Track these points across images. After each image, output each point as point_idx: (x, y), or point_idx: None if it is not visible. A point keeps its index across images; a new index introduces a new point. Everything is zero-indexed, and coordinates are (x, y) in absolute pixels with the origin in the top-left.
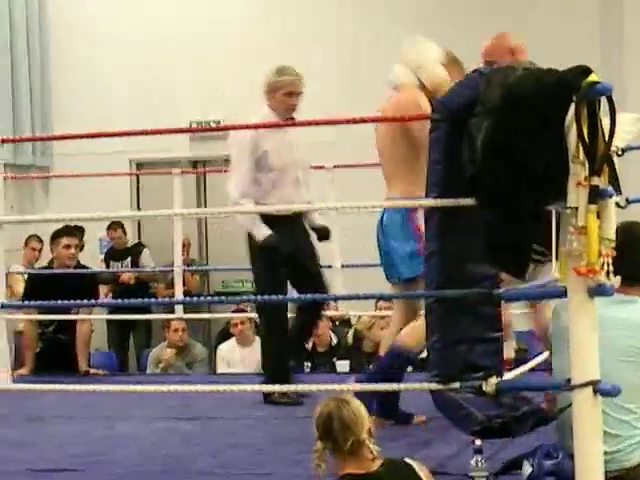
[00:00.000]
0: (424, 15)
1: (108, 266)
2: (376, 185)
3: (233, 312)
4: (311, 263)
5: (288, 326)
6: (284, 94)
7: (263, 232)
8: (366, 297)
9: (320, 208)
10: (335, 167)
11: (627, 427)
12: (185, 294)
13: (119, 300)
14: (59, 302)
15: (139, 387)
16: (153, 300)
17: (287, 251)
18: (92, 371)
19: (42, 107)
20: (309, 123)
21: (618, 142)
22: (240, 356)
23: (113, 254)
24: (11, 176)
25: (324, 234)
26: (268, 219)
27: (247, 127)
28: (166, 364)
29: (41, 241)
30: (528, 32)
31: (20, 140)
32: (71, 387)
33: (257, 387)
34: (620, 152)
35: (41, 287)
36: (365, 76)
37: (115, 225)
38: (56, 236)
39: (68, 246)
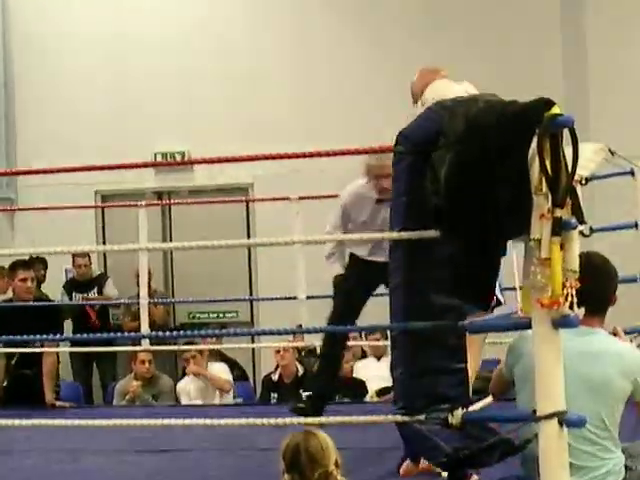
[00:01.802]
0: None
1: (71, 297)
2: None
3: (185, 344)
4: None
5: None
6: (374, 177)
7: None
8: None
9: (286, 242)
10: (301, 198)
11: (593, 458)
12: (150, 325)
13: (84, 335)
14: (20, 336)
15: (105, 422)
16: (120, 335)
17: None
18: (58, 404)
19: (6, 139)
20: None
21: (582, 171)
22: (196, 387)
23: (76, 285)
24: None
25: None
26: None
27: (211, 162)
28: (132, 396)
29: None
30: (495, 64)
31: None
32: (37, 421)
33: (223, 422)
34: (584, 181)
35: (3, 320)
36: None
37: (81, 256)
38: (12, 269)
39: (24, 279)
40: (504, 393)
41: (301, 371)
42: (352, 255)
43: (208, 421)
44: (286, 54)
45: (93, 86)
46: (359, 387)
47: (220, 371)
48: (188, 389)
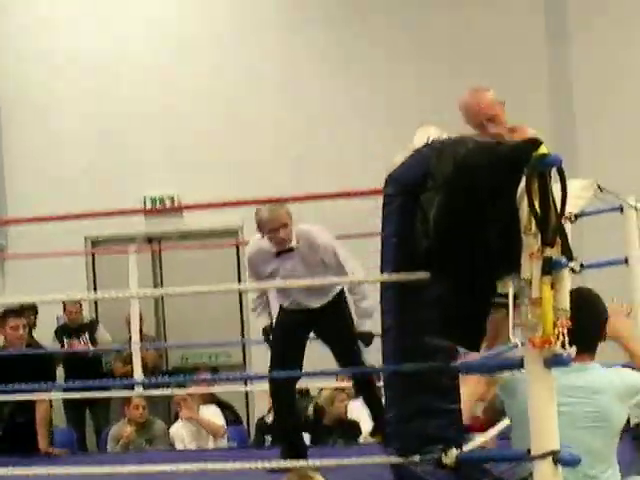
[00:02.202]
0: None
1: (62, 343)
2: None
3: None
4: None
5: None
6: (267, 232)
7: None
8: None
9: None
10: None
11: None
12: (143, 369)
13: (77, 382)
14: (12, 386)
15: (99, 469)
16: (113, 382)
17: None
18: (53, 451)
19: None
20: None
21: (571, 208)
22: (189, 432)
23: (67, 330)
24: None
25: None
26: None
27: (201, 207)
28: (126, 441)
29: None
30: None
31: None
32: (31, 470)
33: (218, 466)
34: (573, 218)
35: None
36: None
37: (71, 302)
38: (3, 317)
39: (15, 327)
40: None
41: None
42: (280, 306)
43: (202, 465)
44: (269, 100)
45: (82, 132)
46: (352, 428)
47: (212, 415)
48: (181, 434)
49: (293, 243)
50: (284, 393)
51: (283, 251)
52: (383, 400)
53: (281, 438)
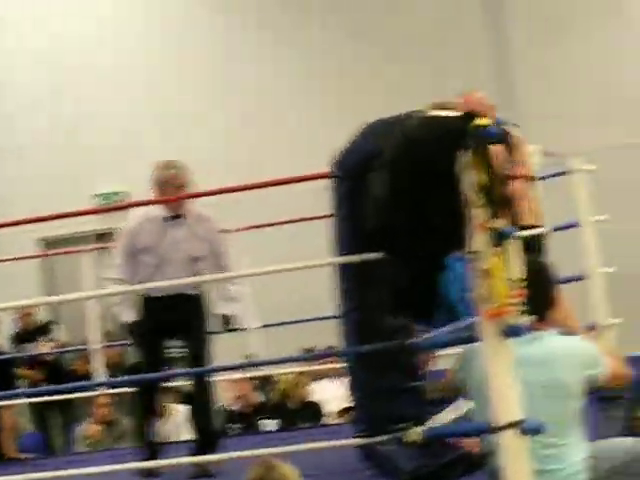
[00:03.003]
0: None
1: (21, 347)
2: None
3: None
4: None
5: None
6: (170, 188)
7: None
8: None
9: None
10: (237, 229)
11: (555, 461)
12: (105, 366)
13: (40, 387)
14: None
15: (67, 472)
16: (76, 384)
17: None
18: (20, 456)
19: None
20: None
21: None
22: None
23: (24, 334)
24: None
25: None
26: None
27: (149, 203)
28: (93, 440)
29: None
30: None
31: None
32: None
33: (188, 459)
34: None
35: None
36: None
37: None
38: None
39: None
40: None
41: (260, 400)
42: (142, 299)
43: (174, 460)
44: (218, 93)
45: (30, 128)
46: (314, 410)
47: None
48: None
49: (186, 211)
50: (149, 394)
51: (173, 217)
52: (344, 382)
53: (140, 438)
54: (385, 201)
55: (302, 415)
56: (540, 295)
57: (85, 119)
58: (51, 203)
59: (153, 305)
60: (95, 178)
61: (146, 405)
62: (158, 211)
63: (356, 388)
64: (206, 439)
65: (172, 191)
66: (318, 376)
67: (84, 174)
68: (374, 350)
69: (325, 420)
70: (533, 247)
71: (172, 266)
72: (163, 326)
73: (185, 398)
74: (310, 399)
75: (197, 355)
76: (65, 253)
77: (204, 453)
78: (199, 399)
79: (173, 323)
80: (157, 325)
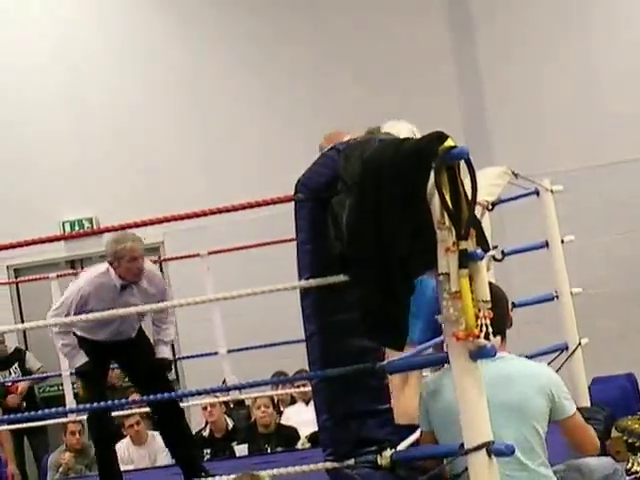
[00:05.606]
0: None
1: None
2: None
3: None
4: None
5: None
6: (128, 261)
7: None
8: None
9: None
10: (210, 253)
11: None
12: (75, 394)
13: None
14: None
15: None
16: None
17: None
18: None
19: None
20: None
21: (487, 197)
22: (136, 455)
23: None
24: None
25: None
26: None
27: (122, 228)
28: (66, 467)
29: None
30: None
31: None
32: None
33: None
34: (490, 207)
35: None
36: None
37: None
38: None
39: None
40: None
41: (231, 424)
42: (85, 340)
43: None
44: (186, 116)
45: None
46: (290, 434)
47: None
48: (123, 455)
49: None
50: (105, 423)
51: (128, 285)
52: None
53: (102, 467)
54: (350, 225)
55: (274, 439)
56: (501, 315)
57: (44, 144)
58: (18, 232)
59: (99, 347)
60: (62, 206)
61: (104, 434)
62: (111, 280)
63: (322, 412)
64: (191, 468)
65: (129, 263)
66: (291, 400)
67: (51, 203)
68: (341, 373)
69: (298, 444)
70: None
71: (120, 321)
72: (107, 357)
73: (157, 424)
74: (282, 423)
75: (156, 377)
76: (34, 280)
77: None
78: (176, 426)
79: (121, 357)
80: (105, 360)
